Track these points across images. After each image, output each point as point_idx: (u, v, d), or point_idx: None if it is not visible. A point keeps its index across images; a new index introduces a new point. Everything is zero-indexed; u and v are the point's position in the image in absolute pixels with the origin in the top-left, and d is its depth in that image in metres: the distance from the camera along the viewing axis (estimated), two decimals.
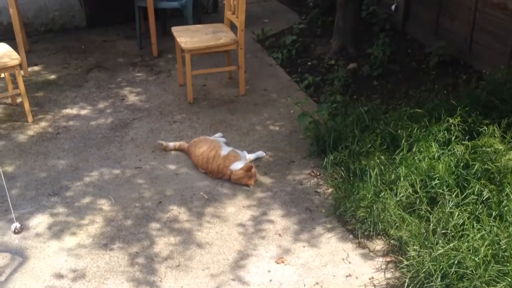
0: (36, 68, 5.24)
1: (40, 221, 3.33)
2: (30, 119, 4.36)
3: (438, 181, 3.25)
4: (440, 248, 2.81)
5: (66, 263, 3.03)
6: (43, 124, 4.35)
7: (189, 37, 4.57)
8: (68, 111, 4.55)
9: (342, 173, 3.60)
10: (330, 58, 5.23)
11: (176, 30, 4.73)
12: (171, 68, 5.23)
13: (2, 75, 4.44)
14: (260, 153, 3.94)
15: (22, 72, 4.65)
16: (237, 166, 3.66)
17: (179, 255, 3.08)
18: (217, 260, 3.05)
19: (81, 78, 5.07)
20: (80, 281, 2.91)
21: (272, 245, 3.16)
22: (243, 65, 4.67)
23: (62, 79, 5.05)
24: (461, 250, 2.76)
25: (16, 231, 2.84)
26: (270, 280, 2.92)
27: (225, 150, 3.79)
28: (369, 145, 3.64)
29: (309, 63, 5.27)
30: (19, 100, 4.53)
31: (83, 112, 4.54)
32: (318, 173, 3.76)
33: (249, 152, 3.92)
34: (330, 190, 3.59)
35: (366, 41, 5.36)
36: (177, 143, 4.01)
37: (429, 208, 3.16)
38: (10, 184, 3.63)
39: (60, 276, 2.95)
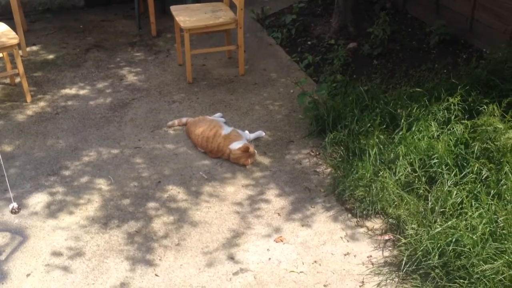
0: (34, 48, 5.21)
1: (39, 201, 3.34)
2: (29, 99, 4.35)
3: (437, 160, 3.25)
4: (438, 226, 2.82)
5: (66, 242, 3.05)
6: (42, 104, 4.34)
7: (188, 16, 4.53)
8: (67, 91, 4.53)
9: (341, 153, 3.60)
10: (330, 37, 5.19)
11: (175, 9, 4.69)
12: (170, 48, 5.20)
13: (1, 54, 4.41)
14: (259, 133, 3.93)
15: (20, 52, 4.62)
16: (236, 145, 3.66)
17: (178, 234, 3.10)
18: (216, 239, 3.06)
19: (80, 58, 5.04)
20: (80, 260, 2.93)
21: (270, 224, 3.17)
22: (242, 44, 4.64)
23: (61, 59, 5.03)
24: (459, 228, 2.77)
25: (14, 211, 2.85)
26: (269, 259, 2.93)
27: (226, 130, 3.79)
28: (369, 125, 3.63)
29: (309, 43, 5.23)
30: (17, 80, 4.51)
31: (82, 92, 4.52)
32: (317, 153, 3.76)
33: (249, 132, 3.91)
34: (329, 169, 3.59)
35: (366, 20, 5.31)
36: (183, 119, 4.06)
37: (427, 187, 3.16)
38: (9, 163, 3.64)
39: (59, 254, 2.96)
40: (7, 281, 2.79)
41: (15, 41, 4.17)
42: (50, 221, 3.19)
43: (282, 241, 3.05)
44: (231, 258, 2.94)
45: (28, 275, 2.84)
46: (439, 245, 2.73)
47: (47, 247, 3.01)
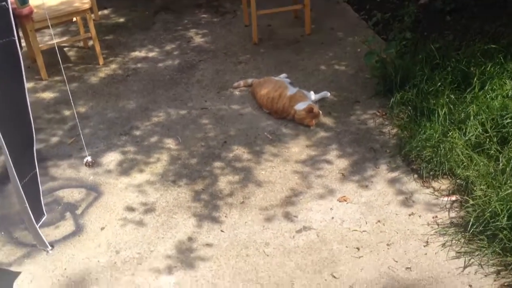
0: (105, 11, 5.37)
1: (112, 159, 3.50)
2: (101, 61, 4.51)
3: (510, 120, 3.11)
4: (508, 188, 2.72)
5: (137, 198, 3.19)
6: (113, 66, 4.49)
7: None
8: (136, 53, 4.66)
9: (409, 113, 3.52)
10: None
11: None
12: (236, 9, 5.20)
13: (74, 19, 4.58)
14: (324, 93, 3.90)
15: (93, 16, 4.77)
16: (301, 106, 3.65)
17: (242, 193, 3.17)
18: (280, 198, 3.11)
19: (149, 21, 5.15)
20: (150, 215, 3.07)
21: (334, 184, 3.17)
22: (308, 3, 4.56)
23: (131, 22, 5.16)
24: None
25: (88, 164, 3.01)
26: (332, 218, 2.95)
27: (291, 90, 3.78)
28: (439, 84, 3.51)
29: None
30: (90, 43, 4.69)
31: (151, 54, 4.64)
32: (383, 113, 3.69)
33: (314, 92, 3.88)
34: (395, 130, 3.52)
35: None
36: (249, 80, 4.09)
37: (499, 148, 3.04)
38: (84, 123, 3.82)
39: (132, 209, 3.11)
40: (83, 234, 2.98)
41: (87, 5, 4.31)
42: (122, 178, 3.35)
43: (345, 200, 3.05)
44: (295, 216, 2.98)
45: (102, 228, 3.01)
46: (508, 206, 2.64)
47: (120, 203, 3.17)
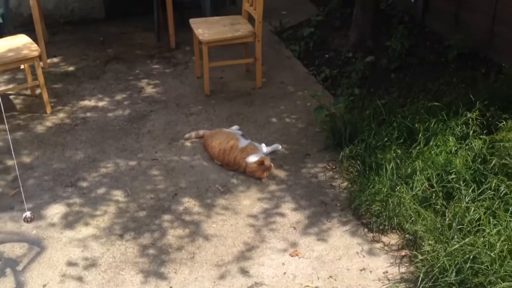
0: (55, 59, 5.29)
1: (56, 212, 3.38)
2: (48, 110, 4.41)
3: (454, 176, 3.21)
4: (455, 243, 2.79)
5: (82, 253, 3.07)
6: (61, 115, 4.40)
7: (207, 29, 4.57)
8: (86, 102, 4.59)
9: (358, 167, 3.58)
10: (348, 50, 5.19)
11: (194, 22, 4.73)
12: (189, 60, 5.24)
13: (22, 66, 4.49)
14: (275, 146, 3.93)
15: (41, 64, 4.69)
16: (253, 159, 3.66)
17: (193, 247, 3.10)
18: (232, 253, 3.06)
19: (99, 70, 5.11)
20: (95, 271, 2.95)
21: (286, 238, 3.16)
22: (260, 57, 4.66)
23: (81, 70, 5.10)
24: (476, 245, 2.73)
25: (26, 220, 2.85)
26: (284, 273, 2.92)
27: (243, 142, 3.80)
28: (386, 139, 3.61)
29: (327, 56, 5.23)
30: (38, 91, 4.58)
31: (100, 103, 4.57)
32: (333, 167, 3.74)
33: (266, 145, 3.91)
34: (345, 183, 3.58)
35: (384, 33, 5.30)
36: (200, 131, 4.09)
37: (445, 203, 3.13)
38: (28, 174, 3.68)
39: (76, 265, 2.99)
40: None
41: (36, 53, 4.24)
42: (67, 232, 3.23)
43: (297, 255, 3.04)
44: (246, 272, 2.94)
45: (44, 286, 2.87)
46: (456, 262, 2.69)
47: (64, 258, 3.04)
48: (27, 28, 5.34)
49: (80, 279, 2.90)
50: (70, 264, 3.00)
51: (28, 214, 2.87)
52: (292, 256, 3.03)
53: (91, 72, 5.08)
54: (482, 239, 2.77)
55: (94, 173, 3.73)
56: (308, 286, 2.84)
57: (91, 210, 3.39)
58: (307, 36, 5.48)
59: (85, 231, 3.23)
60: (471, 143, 3.41)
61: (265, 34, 5.30)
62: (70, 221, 3.30)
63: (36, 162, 3.84)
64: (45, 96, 4.38)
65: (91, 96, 4.69)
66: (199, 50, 4.75)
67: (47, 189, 3.57)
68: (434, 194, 3.19)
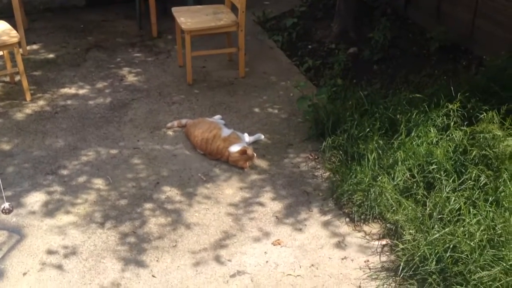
0: (35, 46, 5.21)
1: (37, 199, 3.34)
2: (28, 97, 4.34)
3: (435, 166, 3.25)
4: (435, 232, 2.82)
5: (63, 241, 3.04)
6: (41, 102, 4.33)
7: (189, 17, 4.54)
8: (66, 90, 4.53)
9: (340, 157, 3.60)
10: (331, 41, 5.20)
11: (176, 11, 4.69)
12: (171, 49, 5.20)
13: (1, 53, 4.41)
14: (258, 136, 3.93)
15: (21, 50, 4.61)
16: (235, 148, 3.66)
17: (175, 236, 3.09)
18: (214, 241, 3.06)
19: (80, 58, 5.04)
20: (76, 259, 2.92)
21: (268, 227, 3.17)
22: (243, 47, 4.64)
23: (61, 58, 5.02)
24: (456, 234, 2.77)
25: (5, 211, 2.81)
26: (267, 262, 2.93)
27: (226, 132, 3.79)
28: (368, 129, 3.63)
29: (310, 47, 5.24)
30: (17, 78, 4.51)
31: (81, 91, 4.52)
32: (316, 157, 3.76)
33: (248, 134, 3.91)
34: (327, 173, 3.59)
35: (367, 25, 5.32)
36: (183, 120, 4.06)
37: (426, 193, 3.16)
38: (8, 162, 3.63)
39: (56, 253, 2.96)
40: (3, 280, 2.79)
41: (15, 39, 4.17)
42: (47, 220, 3.19)
43: (279, 244, 3.05)
44: (228, 260, 2.94)
45: (24, 273, 2.83)
46: (436, 251, 2.73)
47: (44, 246, 3.00)
48: (6, 14, 5.23)
49: (60, 267, 2.87)
50: (51, 252, 2.97)
51: (6, 205, 2.83)
52: (274, 245, 3.04)
53: (72, 59, 5.01)
54: (462, 228, 2.81)
55: (75, 161, 3.68)
56: (290, 274, 2.85)
57: (71, 198, 3.35)
58: (290, 26, 5.47)
59: (66, 219, 3.19)
60: (452, 134, 3.45)
61: (248, 24, 5.29)
62: (50, 209, 3.26)
63: (16, 149, 3.78)
64: (25, 83, 4.31)
65: (71, 83, 4.63)
66: (181, 39, 4.71)
67: (27, 177, 3.52)
68: (415, 184, 3.22)
